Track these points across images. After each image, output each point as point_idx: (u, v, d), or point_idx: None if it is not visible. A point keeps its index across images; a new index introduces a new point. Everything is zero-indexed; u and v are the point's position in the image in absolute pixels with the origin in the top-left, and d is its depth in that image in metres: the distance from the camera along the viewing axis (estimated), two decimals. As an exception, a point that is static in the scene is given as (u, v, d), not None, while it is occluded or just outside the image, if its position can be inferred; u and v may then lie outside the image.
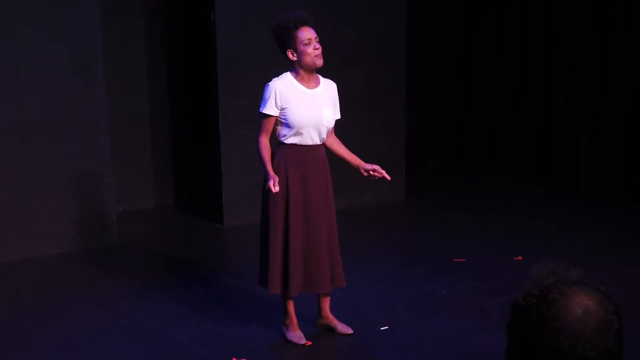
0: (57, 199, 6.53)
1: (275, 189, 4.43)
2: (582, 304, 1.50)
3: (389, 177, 4.76)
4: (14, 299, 5.70)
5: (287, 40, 4.60)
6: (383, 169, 4.76)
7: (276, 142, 4.73)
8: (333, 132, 4.87)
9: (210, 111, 7.31)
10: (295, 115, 4.60)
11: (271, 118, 4.65)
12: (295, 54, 4.60)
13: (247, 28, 7.04)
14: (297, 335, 4.90)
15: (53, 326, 5.21)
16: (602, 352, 1.48)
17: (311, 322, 5.09)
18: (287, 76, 4.68)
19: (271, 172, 4.53)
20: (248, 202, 7.15)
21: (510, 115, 8.93)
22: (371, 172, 4.77)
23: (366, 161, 4.86)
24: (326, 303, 5.01)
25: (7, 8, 6.17)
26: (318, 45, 4.58)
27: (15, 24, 6.21)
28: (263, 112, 4.65)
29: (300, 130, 4.63)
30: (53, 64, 6.38)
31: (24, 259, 6.36)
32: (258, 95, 7.53)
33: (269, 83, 4.67)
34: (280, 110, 4.62)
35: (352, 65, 7.39)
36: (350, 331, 4.99)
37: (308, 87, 4.66)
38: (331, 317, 5.04)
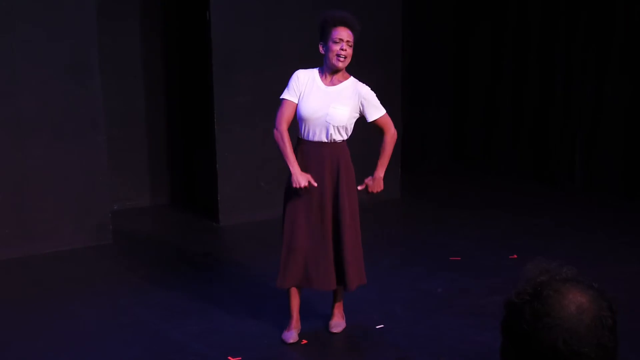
0: (54, 197, 6.52)
1: (301, 185, 4.54)
2: (575, 300, 1.49)
3: (374, 191, 4.97)
4: (11, 297, 5.68)
5: (323, 33, 4.66)
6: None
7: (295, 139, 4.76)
8: (388, 134, 4.83)
9: (206, 110, 7.29)
10: (302, 105, 4.64)
11: (290, 103, 4.66)
12: (323, 49, 4.65)
13: (242, 27, 7.02)
14: (288, 334, 4.87)
15: (51, 325, 5.20)
16: (596, 349, 1.47)
17: (314, 318, 5.09)
18: (313, 70, 4.73)
19: (294, 169, 4.58)
20: (244, 200, 7.14)
21: (507, 114, 8.93)
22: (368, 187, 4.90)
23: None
24: (338, 295, 5.00)
25: (5, 7, 6.16)
26: (346, 47, 4.60)
27: (13, 22, 6.19)
28: (282, 97, 4.68)
29: (306, 124, 4.65)
30: (50, 62, 6.37)
31: (21, 257, 6.35)
32: (254, 94, 7.49)
33: (295, 71, 4.72)
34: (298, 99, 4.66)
35: (348, 64, 7.36)
36: (338, 330, 4.98)
37: (325, 84, 4.69)
38: (335, 312, 5.03)
